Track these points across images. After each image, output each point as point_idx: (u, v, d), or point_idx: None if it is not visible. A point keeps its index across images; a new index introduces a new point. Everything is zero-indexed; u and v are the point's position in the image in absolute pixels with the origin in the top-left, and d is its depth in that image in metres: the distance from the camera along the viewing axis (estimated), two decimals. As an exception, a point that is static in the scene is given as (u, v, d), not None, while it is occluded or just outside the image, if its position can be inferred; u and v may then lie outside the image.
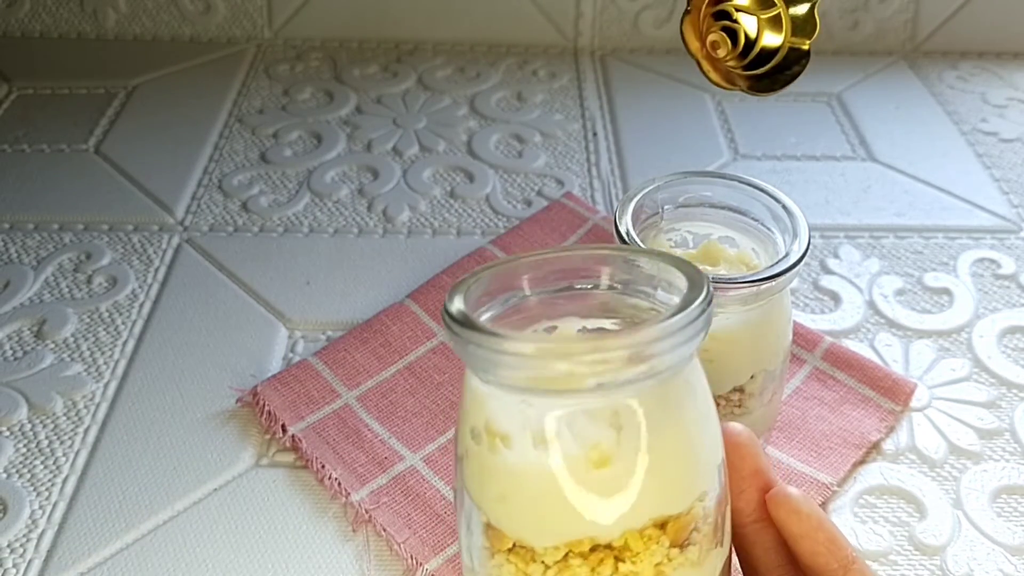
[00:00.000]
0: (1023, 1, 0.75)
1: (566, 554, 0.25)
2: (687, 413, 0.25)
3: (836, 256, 0.55)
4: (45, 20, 0.76)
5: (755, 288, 0.35)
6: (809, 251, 0.36)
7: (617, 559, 0.25)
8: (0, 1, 0.76)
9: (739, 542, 0.28)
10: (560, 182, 0.61)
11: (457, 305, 0.24)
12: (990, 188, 0.62)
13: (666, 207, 0.39)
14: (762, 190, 0.39)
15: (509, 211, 0.59)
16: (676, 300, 0.25)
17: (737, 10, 0.29)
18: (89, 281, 0.53)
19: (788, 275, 0.35)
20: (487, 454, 0.25)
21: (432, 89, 0.71)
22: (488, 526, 0.26)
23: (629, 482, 0.24)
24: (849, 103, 0.70)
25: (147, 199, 0.59)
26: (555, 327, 0.28)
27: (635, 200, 0.38)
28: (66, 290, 0.52)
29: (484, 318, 0.26)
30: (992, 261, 0.55)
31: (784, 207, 0.38)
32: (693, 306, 0.23)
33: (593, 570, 0.25)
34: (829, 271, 0.54)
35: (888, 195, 0.61)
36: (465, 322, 0.24)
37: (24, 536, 0.39)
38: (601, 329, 0.28)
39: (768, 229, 0.39)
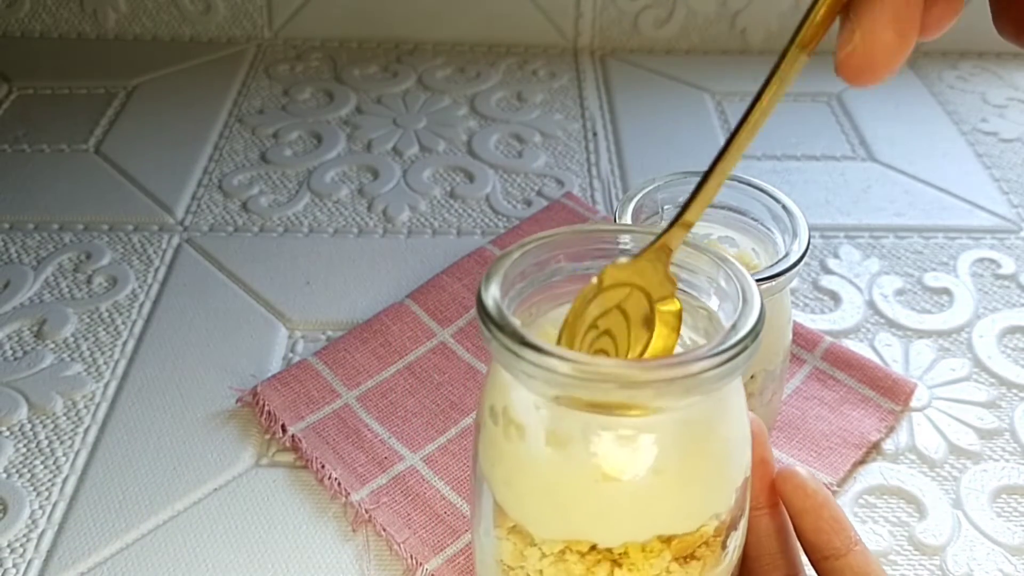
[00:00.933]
0: (1023, 1, 0.75)
1: (564, 549, 0.25)
2: (714, 435, 0.24)
3: (836, 256, 0.55)
4: (45, 20, 0.76)
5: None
6: (809, 251, 0.36)
7: (615, 564, 0.24)
8: (0, 1, 0.76)
9: None
10: (560, 182, 0.61)
11: (493, 293, 0.23)
12: (990, 188, 0.62)
13: (666, 207, 0.39)
14: (762, 190, 0.39)
15: (509, 211, 0.59)
16: (718, 302, 0.24)
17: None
18: (89, 281, 0.53)
19: (788, 275, 0.35)
20: (501, 437, 0.25)
21: (432, 89, 0.71)
22: (493, 502, 0.26)
23: (638, 499, 0.24)
24: (849, 103, 0.70)
25: (147, 199, 0.59)
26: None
27: (635, 200, 0.38)
28: (66, 290, 0.52)
29: (517, 289, 0.25)
30: (992, 261, 0.55)
31: (784, 207, 0.38)
32: (748, 336, 0.22)
33: (589, 569, 0.24)
34: (829, 271, 0.54)
35: (888, 195, 0.61)
36: (500, 323, 0.23)
37: (24, 536, 0.39)
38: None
39: (768, 229, 0.39)
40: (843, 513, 0.27)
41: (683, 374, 0.21)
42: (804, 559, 0.29)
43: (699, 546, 0.25)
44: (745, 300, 0.24)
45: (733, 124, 0.67)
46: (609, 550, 0.24)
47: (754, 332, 0.23)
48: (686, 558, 0.25)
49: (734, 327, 0.23)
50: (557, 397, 0.22)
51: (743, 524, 0.27)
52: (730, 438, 0.25)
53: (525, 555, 0.25)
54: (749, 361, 0.23)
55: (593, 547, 0.24)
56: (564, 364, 0.21)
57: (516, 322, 0.23)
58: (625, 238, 0.27)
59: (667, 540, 0.24)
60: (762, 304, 0.24)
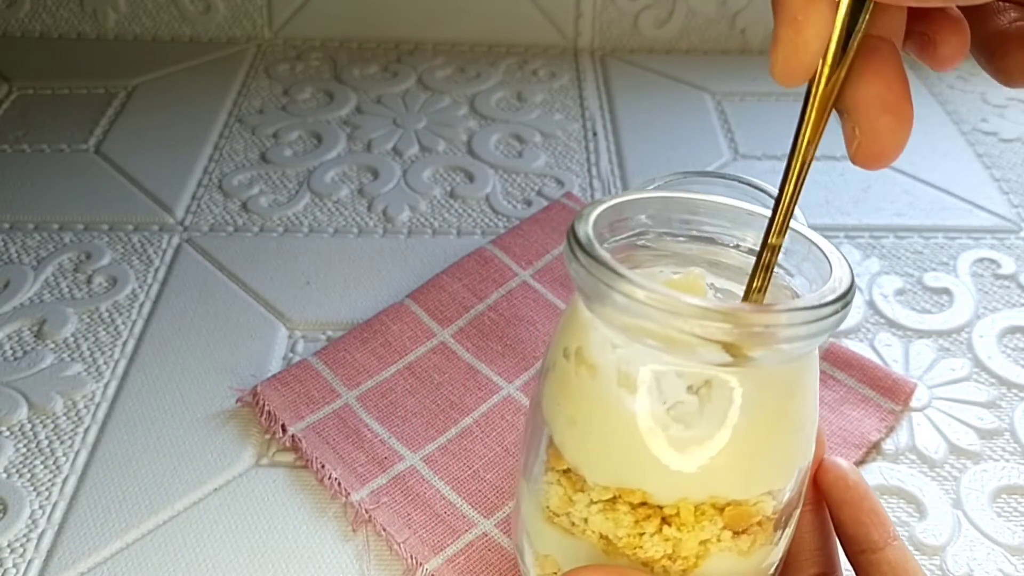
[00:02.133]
0: (1023, 1, 0.75)
1: (615, 497, 0.24)
2: (784, 407, 0.24)
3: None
4: (45, 20, 0.76)
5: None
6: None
7: (664, 521, 0.24)
8: (0, 1, 0.76)
9: None
10: (560, 182, 0.61)
11: (584, 229, 0.24)
12: (990, 188, 0.62)
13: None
14: (762, 190, 0.39)
15: (509, 211, 0.59)
16: (813, 289, 0.24)
17: None
18: (89, 281, 0.53)
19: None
20: (572, 375, 0.25)
21: (432, 89, 0.71)
22: (552, 443, 0.26)
23: (698, 453, 0.23)
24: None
25: (147, 199, 0.59)
26: (679, 274, 0.27)
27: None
28: (66, 290, 0.52)
29: (608, 244, 0.25)
30: (992, 261, 0.55)
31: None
32: (833, 303, 0.22)
33: (638, 522, 0.24)
34: (829, 271, 0.54)
35: (888, 195, 0.61)
36: (590, 250, 0.23)
37: (24, 536, 0.39)
38: (729, 293, 0.27)
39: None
40: (882, 507, 0.27)
41: (768, 322, 0.21)
42: (841, 557, 0.29)
43: (753, 523, 0.24)
44: (832, 268, 0.24)
45: (733, 124, 0.67)
46: (661, 506, 0.24)
47: (848, 294, 0.23)
48: (738, 532, 0.24)
49: (829, 288, 0.23)
50: (634, 328, 0.22)
51: (795, 517, 0.26)
52: (800, 415, 0.25)
53: (574, 500, 0.25)
54: (839, 324, 0.23)
55: (644, 501, 0.24)
56: (645, 294, 0.21)
57: (606, 252, 0.23)
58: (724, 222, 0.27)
59: (721, 507, 0.24)
60: (852, 273, 0.24)
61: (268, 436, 0.44)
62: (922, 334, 0.50)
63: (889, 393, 0.45)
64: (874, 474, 0.42)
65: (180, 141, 0.65)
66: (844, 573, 0.29)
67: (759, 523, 0.25)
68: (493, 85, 0.72)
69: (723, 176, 0.40)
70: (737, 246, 0.27)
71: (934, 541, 0.40)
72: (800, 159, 0.24)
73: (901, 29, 0.23)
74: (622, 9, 0.75)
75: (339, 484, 0.41)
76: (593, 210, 0.25)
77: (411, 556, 0.38)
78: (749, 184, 0.39)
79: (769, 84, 0.72)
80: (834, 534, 0.28)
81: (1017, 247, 0.57)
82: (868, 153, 0.23)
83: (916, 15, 0.24)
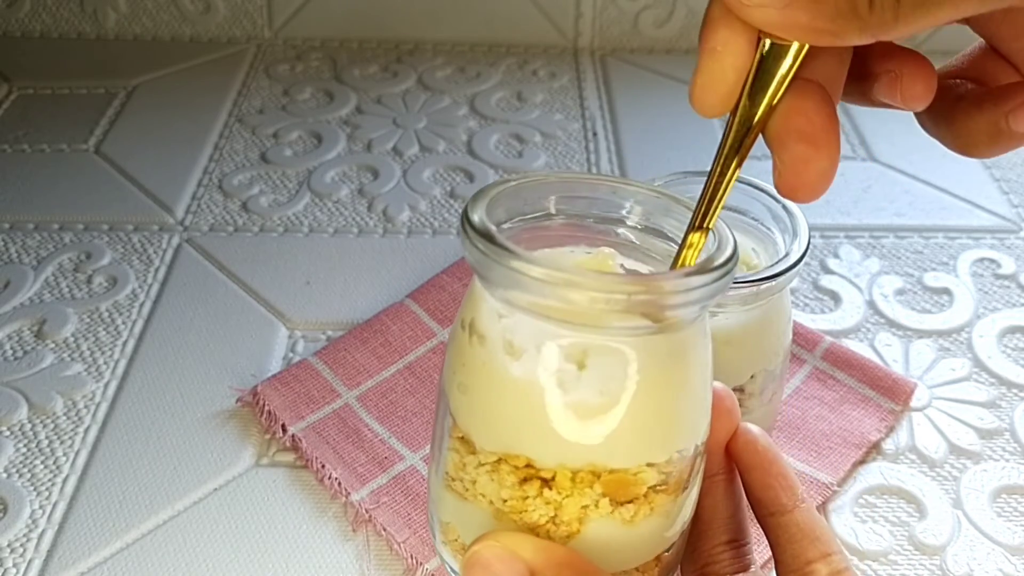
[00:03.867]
0: (1023, 1, 0.75)
1: (499, 460, 0.25)
2: (666, 378, 0.25)
3: (836, 256, 0.55)
4: (45, 20, 0.76)
5: (755, 288, 0.35)
6: (809, 251, 0.36)
7: (545, 484, 0.25)
8: (0, 1, 0.76)
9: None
10: (560, 182, 0.61)
11: (479, 214, 0.24)
12: (990, 188, 0.62)
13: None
14: (762, 190, 0.39)
15: (509, 211, 0.59)
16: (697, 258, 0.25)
17: None
18: (89, 281, 0.53)
19: (788, 275, 0.35)
20: (466, 344, 0.26)
21: (432, 89, 0.71)
22: (449, 412, 0.27)
23: (573, 421, 0.24)
24: (849, 103, 0.70)
25: (147, 199, 0.59)
26: (590, 253, 0.28)
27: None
28: (66, 290, 0.52)
29: (508, 226, 0.26)
30: (992, 261, 0.55)
31: (784, 207, 0.38)
32: (716, 265, 0.23)
33: (519, 484, 0.25)
34: (829, 271, 0.54)
35: (888, 195, 0.61)
36: (477, 227, 0.23)
37: (24, 536, 0.39)
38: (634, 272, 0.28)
39: (768, 229, 0.39)
40: (791, 471, 0.28)
41: (635, 289, 0.22)
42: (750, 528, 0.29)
43: (638, 494, 0.25)
44: (720, 242, 0.24)
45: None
46: (539, 471, 0.25)
47: (725, 265, 0.23)
48: (620, 501, 0.25)
49: (708, 259, 0.23)
50: (522, 305, 0.23)
51: (691, 491, 0.27)
52: (686, 387, 0.25)
53: (464, 463, 0.26)
54: (714, 298, 0.23)
55: (528, 464, 0.25)
56: (526, 265, 0.22)
57: (492, 227, 0.24)
58: (626, 202, 0.28)
59: (599, 474, 0.24)
60: (735, 244, 0.24)
61: (268, 436, 0.44)
62: (922, 334, 0.50)
63: (889, 393, 0.45)
64: (874, 474, 0.42)
65: (180, 141, 0.65)
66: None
67: (644, 495, 0.25)
68: (493, 85, 0.72)
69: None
70: (644, 227, 0.28)
71: (934, 541, 0.40)
72: (713, 186, 0.25)
73: (838, 75, 0.24)
74: (622, 9, 0.75)
75: (339, 484, 0.41)
76: (490, 191, 0.26)
77: (411, 556, 0.38)
78: (749, 184, 0.39)
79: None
80: (744, 502, 0.29)
81: (1017, 247, 0.57)
82: (788, 184, 0.23)
83: (880, 54, 0.24)
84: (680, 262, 0.25)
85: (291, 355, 0.48)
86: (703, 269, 0.23)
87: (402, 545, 0.39)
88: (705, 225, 0.25)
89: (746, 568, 0.28)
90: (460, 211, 0.58)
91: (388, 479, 0.41)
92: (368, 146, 0.65)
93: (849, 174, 0.63)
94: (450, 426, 0.27)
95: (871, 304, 0.52)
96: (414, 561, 0.38)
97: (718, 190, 0.25)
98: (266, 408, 0.44)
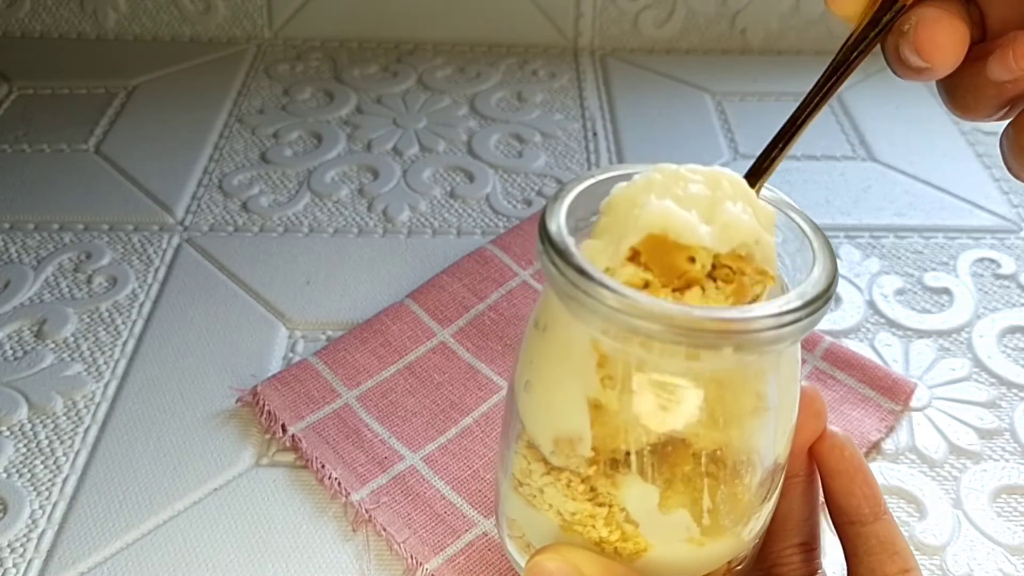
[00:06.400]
0: (1023, 1, 0.75)
1: (564, 469, 0.24)
2: (744, 401, 0.24)
3: (836, 256, 0.55)
4: (45, 20, 0.76)
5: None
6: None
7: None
8: (0, 1, 0.76)
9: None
10: (560, 182, 0.61)
11: (557, 221, 0.23)
12: (990, 188, 0.62)
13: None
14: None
15: (509, 211, 0.59)
16: (797, 278, 0.24)
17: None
18: (89, 281, 0.53)
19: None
20: (537, 340, 0.25)
21: (432, 89, 0.71)
22: (516, 414, 0.26)
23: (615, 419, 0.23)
24: (849, 103, 0.70)
25: (147, 199, 0.59)
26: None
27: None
28: (66, 290, 0.52)
29: (578, 217, 0.25)
30: (992, 261, 0.55)
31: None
32: (810, 307, 0.22)
33: (589, 498, 0.24)
34: (829, 271, 0.54)
35: (888, 195, 0.61)
36: (561, 252, 0.22)
37: (24, 536, 0.39)
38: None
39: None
40: (875, 481, 0.27)
41: (738, 328, 0.21)
42: (823, 531, 0.29)
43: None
44: (816, 257, 0.23)
45: (733, 124, 0.67)
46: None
47: (823, 296, 0.22)
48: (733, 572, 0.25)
49: (797, 294, 0.22)
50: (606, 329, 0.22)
51: (764, 513, 0.26)
52: (768, 413, 0.24)
53: (531, 470, 0.25)
54: (808, 331, 0.22)
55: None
56: (611, 296, 0.21)
57: (573, 248, 0.22)
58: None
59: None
60: (835, 265, 0.23)
61: (268, 436, 0.44)
62: (922, 334, 0.50)
63: (889, 393, 0.45)
64: (874, 474, 0.42)
65: (180, 141, 0.65)
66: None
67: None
68: (493, 85, 0.72)
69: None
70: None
71: (934, 541, 0.40)
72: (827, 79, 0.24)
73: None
74: (622, 9, 0.75)
75: (339, 484, 0.41)
76: (566, 195, 0.25)
77: (411, 556, 0.38)
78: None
79: (769, 84, 0.72)
80: (820, 506, 0.28)
81: (1017, 247, 0.57)
82: (919, 40, 0.23)
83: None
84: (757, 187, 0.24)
85: (291, 355, 0.48)
86: (799, 305, 0.22)
87: (402, 545, 0.39)
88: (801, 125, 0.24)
89: (813, 573, 0.28)
90: (463, 211, 0.58)
91: (388, 479, 0.41)
92: (368, 146, 0.65)
93: (849, 174, 0.63)
94: (519, 430, 0.26)
95: (871, 304, 0.52)
96: (414, 561, 0.38)
97: (832, 84, 0.24)
98: (266, 408, 0.44)
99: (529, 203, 0.59)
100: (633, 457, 0.24)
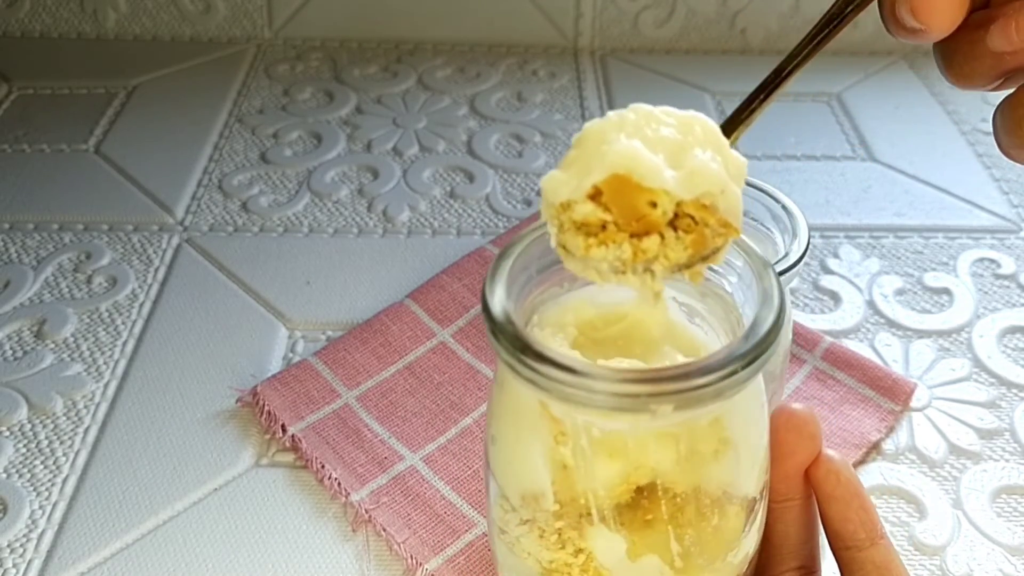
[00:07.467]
0: None
1: (532, 520, 0.24)
2: (711, 447, 0.23)
3: (836, 256, 0.55)
4: (45, 20, 0.76)
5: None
6: (809, 251, 0.36)
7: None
8: (0, 1, 0.76)
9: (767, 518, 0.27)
10: (560, 182, 0.61)
11: (501, 301, 0.23)
12: (990, 188, 0.62)
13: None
14: (762, 190, 0.39)
15: (509, 211, 0.59)
16: (736, 280, 0.23)
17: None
18: (89, 281, 0.53)
19: (788, 275, 0.35)
20: (499, 395, 0.25)
21: (432, 89, 0.71)
22: (490, 467, 0.26)
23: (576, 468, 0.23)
24: (849, 103, 0.70)
25: (147, 199, 0.59)
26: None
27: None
28: (66, 290, 0.52)
29: (520, 283, 0.25)
30: (992, 261, 0.55)
31: (784, 207, 0.38)
32: (761, 357, 0.21)
33: (561, 546, 0.24)
34: (829, 271, 0.54)
35: (888, 195, 0.61)
36: (496, 324, 0.22)
37: (24, 536, 0.39)
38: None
39: (767, 229, 0.39)
40: (872, 506, 0.27)
41: (680, 387, 0.20)
42: (823, 554, 0.29)
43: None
44: (765, 298, 0.23)
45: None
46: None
47: (768, 337, 0.21)
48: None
49: (750, 329, 0.22)
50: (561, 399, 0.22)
51: (747, 545, 0.26)
52: (731, 453, 0.24)
53: (507, 519, 0.25)
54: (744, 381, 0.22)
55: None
56: (563, 374, 0.21)
57: (525, 333, 0.22)
58: None
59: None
60: (782, 300, 0.22)
61: (268, 436, 0.44)
62: (922, 334, 0.50)
63: (889, 393, 0.45)
64: (874, 474, 0.42)
65: (180, 141, 0.65)
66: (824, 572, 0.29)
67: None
68: (493, 85, 0.72)
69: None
70: None
71: (934, 541, 0.40)
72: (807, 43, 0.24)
73: None
74: (622, 9, 0.75)
75: (339, 484, 0.41)
76: (503, 268, 0.24)
77: (411, 556, 0.38)
78: (748, 184, 0.39)
79: (769, 84, 0.72)
80: (819, 531, 0.28)
81: (1017, 247, 0.57)
82: (915, 0, 0.22)
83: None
84: (733, 138, 0.24)
85: (291, 355, 0.48)
86: (728, 359, 0.21)
87: (402, 545, 0.39)
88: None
89: None
90: (462, 212, 0.58)
91: (388, 479, 0.41)
92: (368, 146, 0.65)
93: (849, 174, 0.63)
94: (492, 480, 0.26)
95: (871, 304, 0.52)
96: (414, 561, 0.38)
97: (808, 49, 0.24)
98: (266, 408, 0.44)
99: (529, 203, 0.59)
100: (594, 510, 0.24)
